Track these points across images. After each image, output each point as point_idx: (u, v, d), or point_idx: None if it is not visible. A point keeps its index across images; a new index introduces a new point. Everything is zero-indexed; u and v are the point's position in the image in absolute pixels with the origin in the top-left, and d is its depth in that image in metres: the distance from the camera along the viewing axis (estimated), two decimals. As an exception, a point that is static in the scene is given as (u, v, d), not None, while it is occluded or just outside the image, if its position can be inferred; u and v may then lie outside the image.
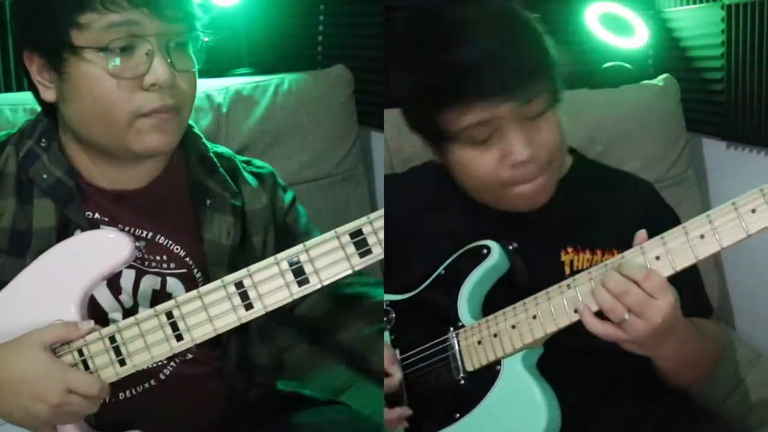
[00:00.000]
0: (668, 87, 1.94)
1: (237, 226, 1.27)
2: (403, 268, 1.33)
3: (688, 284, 1.15)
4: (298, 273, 1.09)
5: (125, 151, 1.16)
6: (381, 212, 1.08)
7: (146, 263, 1.23)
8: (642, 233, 1.11)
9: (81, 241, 1.16)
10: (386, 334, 1.31)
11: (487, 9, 1.18)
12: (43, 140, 1.21)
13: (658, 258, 1.08)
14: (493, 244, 1.26)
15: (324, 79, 2.01)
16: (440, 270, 1.29)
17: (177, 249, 1.25)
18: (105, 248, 1.14)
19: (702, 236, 1.06)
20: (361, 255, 1.08)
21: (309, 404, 1.39)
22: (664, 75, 1.96)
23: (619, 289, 1.07)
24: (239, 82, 1.91)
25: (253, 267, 1.09)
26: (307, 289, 1.09)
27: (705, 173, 2.03)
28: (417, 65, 1.19)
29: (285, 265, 1.09)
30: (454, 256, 1.29)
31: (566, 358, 1.19)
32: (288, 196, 1.37)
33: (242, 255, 1.27)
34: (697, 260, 1.07)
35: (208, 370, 1.27)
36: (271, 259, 1.09)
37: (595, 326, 1.10)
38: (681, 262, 1.07)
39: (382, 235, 1.08)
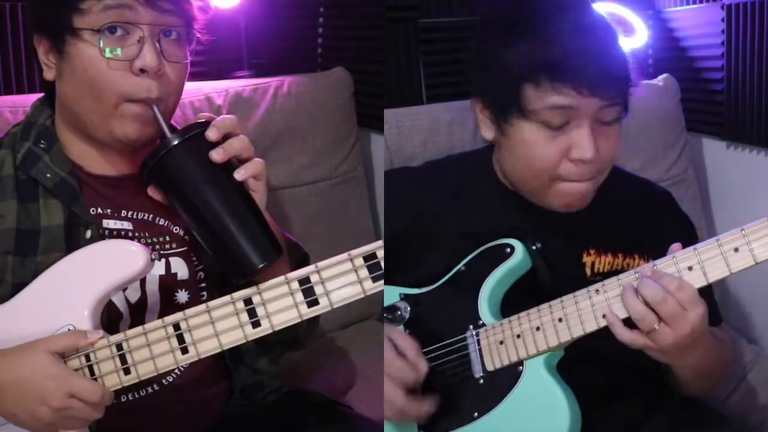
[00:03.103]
0: (668, 87, 1.93)
1: None
2: (420, 261, 1.33)
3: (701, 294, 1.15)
4: (308, 293, 1.08)
5: (108, 135, 1.19)
6: None
7: (149, 248, 1.24)
8: (677, 245, 1.11)
9: (98, 250, 1.17)
10: (401, 328, 1.30)
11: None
12: (42, 142, 1.24)
13: (690, 269, 1.08)
14: (517, 244, 1.25)
15: (324, 81, 2.00)
16: (460, 266, 1.28)
17: (176, 230, 1.28)
18: (121, 258, 1.15)
19: (736, 249, 1.06)
20: (375, 279, 1.07)
21: (309, 406, 1.38)
22: (664, 75, 1.96)
23: (656, 298, 1.07)
24: (239, 85, 1.90)
25: (263, 285, 1.09)
26: (316, 311, 1.08)
27: (705, 173, 2.03)
28: (519, 37, 1.20)
29: (295, 284, 1.08)
30: (476, 252, 1.28)
31: (575, 359, 1.19)
32: None
33: None
34: (731, 273, 1.07)
35: (209, 371, 1.29)
36: (281, 278, 1.08)
37: (624, 335, 1.11)
38: (714, 274, 1.08)
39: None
